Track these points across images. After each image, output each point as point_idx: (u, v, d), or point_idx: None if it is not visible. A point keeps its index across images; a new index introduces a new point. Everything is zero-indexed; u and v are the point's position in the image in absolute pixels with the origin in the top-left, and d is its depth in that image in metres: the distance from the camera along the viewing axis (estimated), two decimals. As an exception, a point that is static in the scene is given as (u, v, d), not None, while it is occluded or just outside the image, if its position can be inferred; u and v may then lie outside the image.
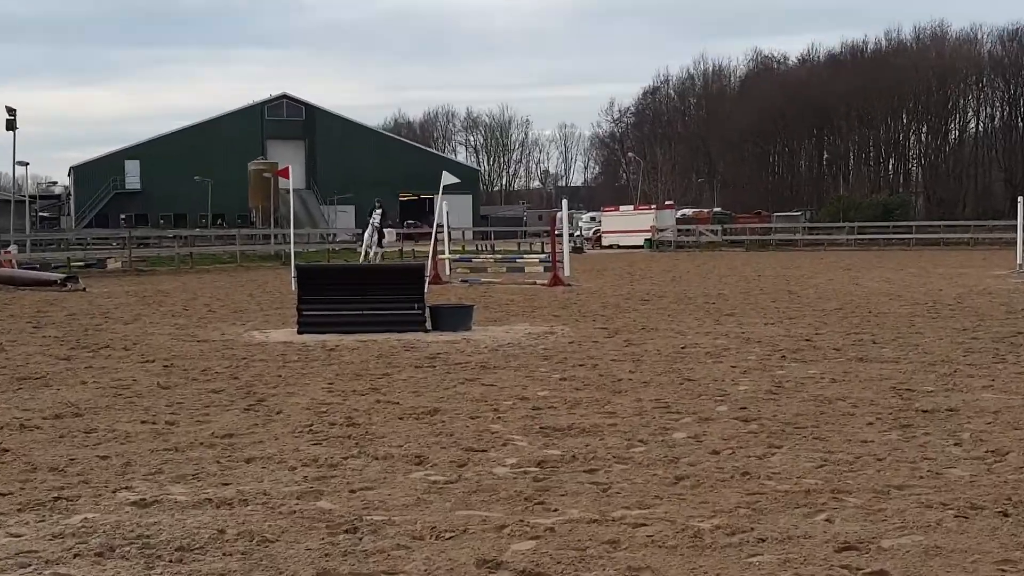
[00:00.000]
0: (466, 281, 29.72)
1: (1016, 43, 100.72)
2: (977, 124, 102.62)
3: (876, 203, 72.64)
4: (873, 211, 69.63)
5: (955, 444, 7.77)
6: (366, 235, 38.71)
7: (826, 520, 5.80)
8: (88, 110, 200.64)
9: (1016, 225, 32.33)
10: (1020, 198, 32.27)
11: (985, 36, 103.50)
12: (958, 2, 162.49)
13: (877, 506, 6.08)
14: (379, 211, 38.50)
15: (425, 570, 5.02)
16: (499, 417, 8.94)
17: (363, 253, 38.60)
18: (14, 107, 48.48)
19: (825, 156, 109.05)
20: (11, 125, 48.24)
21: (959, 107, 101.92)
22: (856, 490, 6.43)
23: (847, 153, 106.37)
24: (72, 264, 39.59)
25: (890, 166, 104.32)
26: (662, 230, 66.08)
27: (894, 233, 62.63)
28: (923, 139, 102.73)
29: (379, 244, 38.71)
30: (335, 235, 68.42)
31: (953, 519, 5.80)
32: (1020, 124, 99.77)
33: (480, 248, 63.06)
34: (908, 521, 5.77)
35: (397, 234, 63.58)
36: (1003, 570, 4.98)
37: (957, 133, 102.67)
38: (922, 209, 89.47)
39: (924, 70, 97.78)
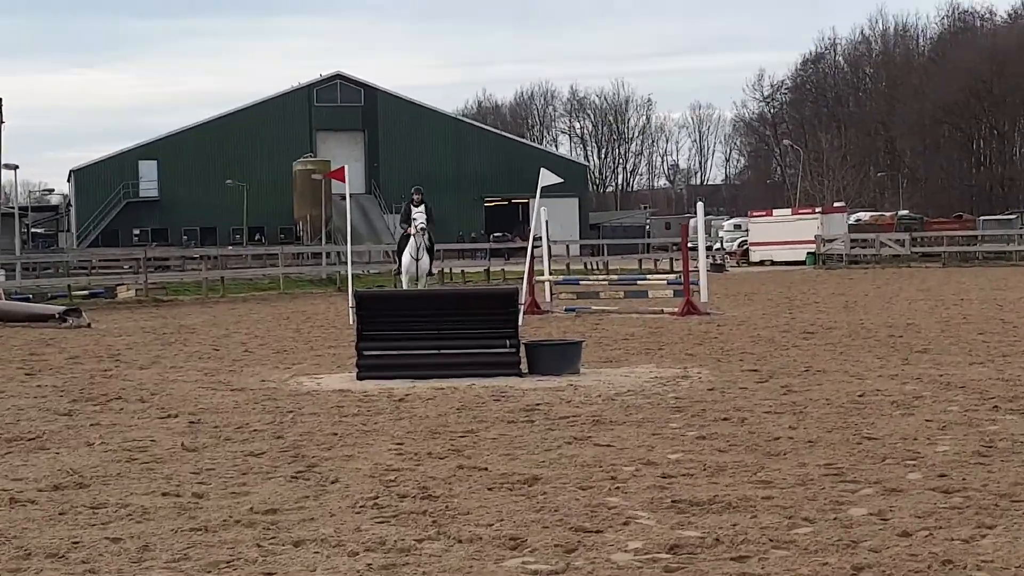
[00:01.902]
0: (572, 310, 29.80)
1: None
2: None
3: (1117, 202, 71.12)
4: (1114, 212, 68.22)
5: None
6: (406, 254, 30.35)
7: (1055, 623, 5.70)
8: (93, 98, 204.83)
9: None
10: None
11: None
12: None
13: (1122, 604, 5.96)
14: (422, 209, 30.16)
15: None
16: (618, 487, 8.99)
17: (404, 280, 30.67)
18: None
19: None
20: (-5, 118, 49.27)
21: None
22: (1094, 583, 6.32)
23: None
24: (74, 293, 40.29)
25: None
26: (830, 240, 65.49)
27: None
28: None
29: (429, 269, 31.25)
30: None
31: None
32: None
33: (590, 267, 63.13)
34: None
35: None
36: None
37: None
38: None
39: None
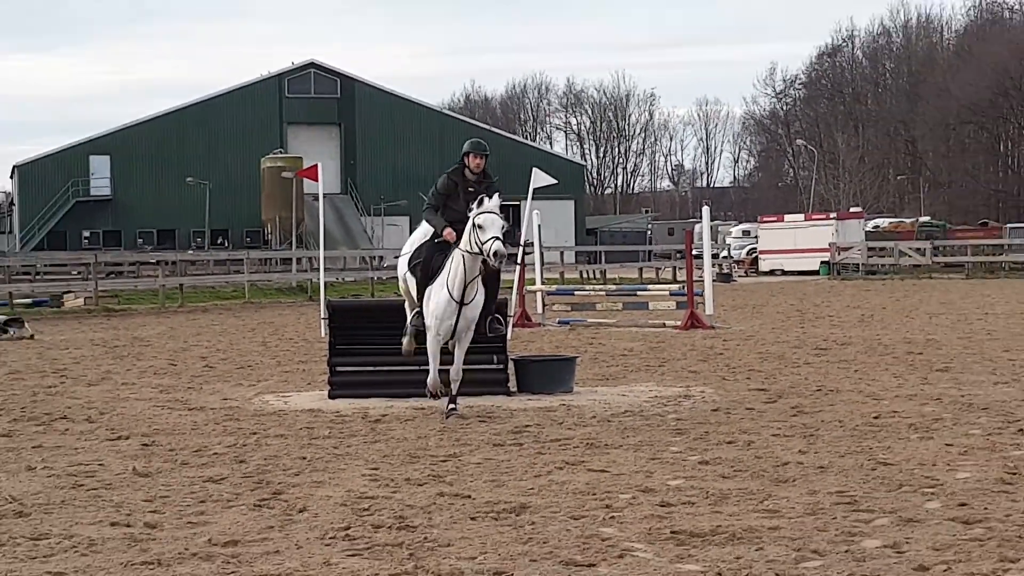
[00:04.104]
0: (566, 323, 29.84)
1: None
2: None
3: None
4: None
5: None
6: (438, 288, 14.74)
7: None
8: (40, 86, 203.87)
9: None
10: None
11: None
12: None
13: None
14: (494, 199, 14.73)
15: None
16: (612, 517, 9.02)
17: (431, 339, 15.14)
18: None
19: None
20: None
21: None
22: None
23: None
24: (16, 302, 40.12)
25: None
26: (846, 249, 65.82)
27: None
28: None
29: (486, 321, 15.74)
30: (382, 258, 68.46)
31: None
32: None
33: (586, 276, 63.18)
34: None
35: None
36: None
37: None
38: None
39: None
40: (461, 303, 14.47)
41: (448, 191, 14.87)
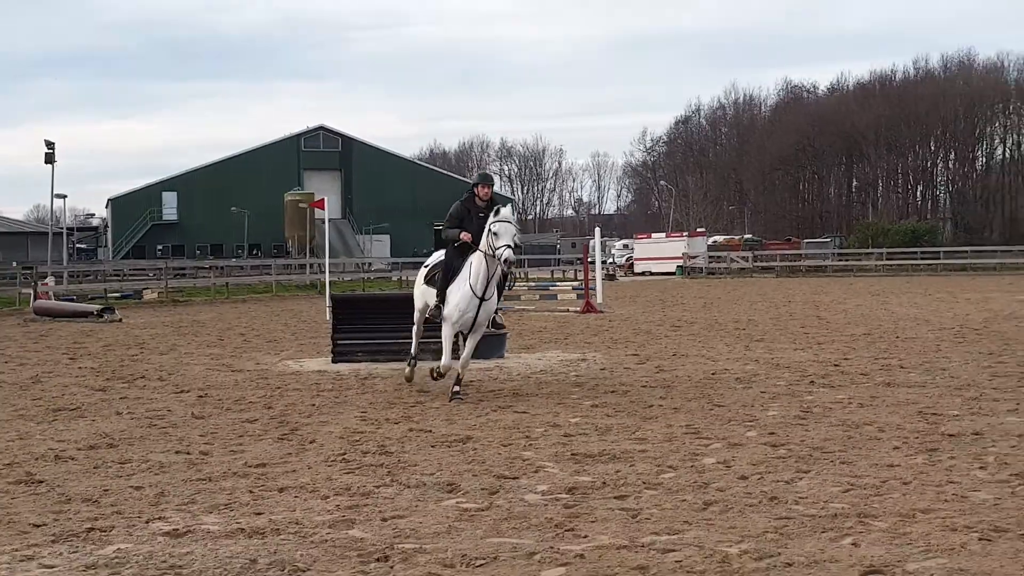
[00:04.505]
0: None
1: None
2: (1004, 151, 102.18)
3: (905, 229, 72.52)
4: (902, 237, 69.46)
5: (980, 468, 7.81)
6: (461, 285, 12.42)
7: (852, 544, 5.86)
8: (127, 143, 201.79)
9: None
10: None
11: (1012, 64, 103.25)
12: (985, 32, 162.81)
13: (903, 530, 6.14)
14: (508, 216, 12.51)
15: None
16: (531, 444, 9.00)
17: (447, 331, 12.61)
18: (53, 141, 49.30)
19: (854, 183, 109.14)
20: (50, 159, 49.17)
21: (986, 135, 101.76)
22: (882, 514, 6.48)
23: (876, 180, 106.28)
24: (109, 295, 39.73)
25: (918, 193, 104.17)
26: (693, 257, 66.23)
27: (922, 259, 62.27)
28: (951, 166, 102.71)
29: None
30: (370, 264, 68.66)
31: (977, 542, 5.87)
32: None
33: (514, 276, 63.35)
34: (933, 544, 5.83)
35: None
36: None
37: (984, 160, 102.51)
38: (950, 235, 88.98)
39: (952, 98, 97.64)
40: (482, 299, 12.32)
41: (461, 215, 12.56)
